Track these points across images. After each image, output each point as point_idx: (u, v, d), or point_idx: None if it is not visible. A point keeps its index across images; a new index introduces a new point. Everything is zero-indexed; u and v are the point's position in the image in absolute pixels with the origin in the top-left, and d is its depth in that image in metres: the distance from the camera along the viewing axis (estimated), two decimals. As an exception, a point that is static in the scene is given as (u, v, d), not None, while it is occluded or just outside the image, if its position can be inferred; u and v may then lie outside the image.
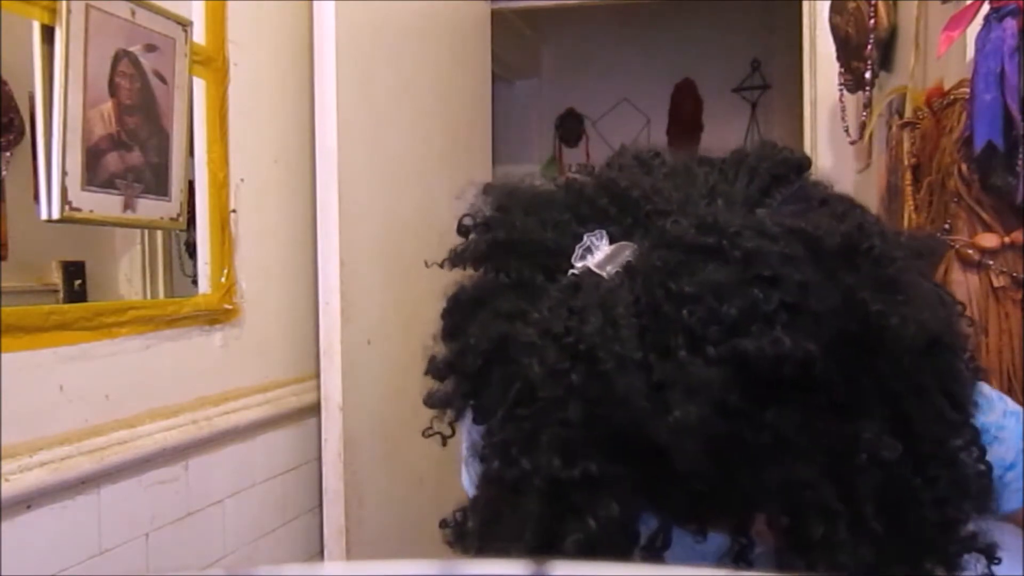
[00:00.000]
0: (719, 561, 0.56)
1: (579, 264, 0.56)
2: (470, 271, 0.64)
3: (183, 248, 2.30)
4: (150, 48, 1.58)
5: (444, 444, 0.70)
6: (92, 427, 1.47)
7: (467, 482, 0.75)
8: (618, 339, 0.51)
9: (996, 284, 1.24)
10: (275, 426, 1.95)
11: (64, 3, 1.38)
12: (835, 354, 0.51)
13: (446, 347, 0.62)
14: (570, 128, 4.94)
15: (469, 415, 0.62)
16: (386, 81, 2.17)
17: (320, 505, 2.05)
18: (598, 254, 0.56)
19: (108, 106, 1.49)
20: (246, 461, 1.86)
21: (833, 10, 2.12)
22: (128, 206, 1.55)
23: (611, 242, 0.57)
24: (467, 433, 0.69)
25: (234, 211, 1.84)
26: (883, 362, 0.53)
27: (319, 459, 2.04)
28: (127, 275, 2.23)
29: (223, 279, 1.81)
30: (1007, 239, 1.24)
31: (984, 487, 0.57)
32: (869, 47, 1.91)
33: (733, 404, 0.50)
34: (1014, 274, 1.23)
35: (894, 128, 1.70)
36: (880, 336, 0.52)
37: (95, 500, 1.47)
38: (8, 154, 2.10)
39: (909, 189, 1.46)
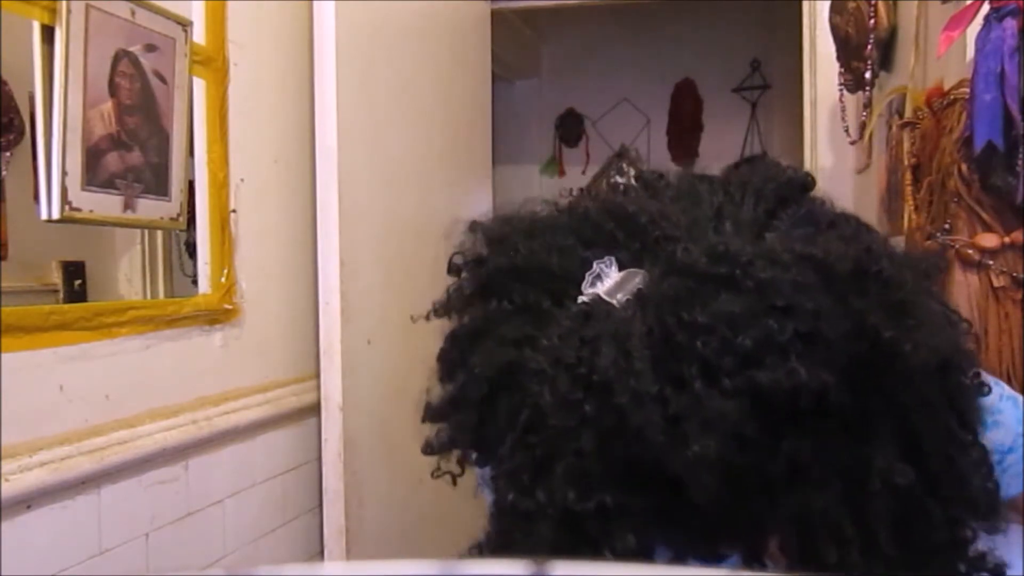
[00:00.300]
0: None
1: (589, 291, 0.55)
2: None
3: (183, 248, 2.30)
4: (150, 48, 1.58)
5: (455, 484, 0.68)
6: (92, 427, 1.47)
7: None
8: (632, 372, 0.50)
9: (996, 284, 1.24)
10: (275, 426, 1.95)
11: (64, 3, 1.38)
12: (847, 379, 0.51)
13: (445, 388, 0.61)
14: (570, 128, 4.94)
15: None
16: (386, 81, 2.17)
17: (320, 505, 2.05)
18: (608, 281, 0.55)
19: (108, 106, 1.48)
20: (246, 461, 1.86)
21: (833, 10, 2.12)
22: (128, 206, 1.55)
23: (620, 268, 0.56)
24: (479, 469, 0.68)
25: (234, 211, 1.84)
26: (894, 384, 0.53)
27: (319, 459, 2.04)
28: (127, 275, 2.23)
29: (223, 279, 1.81)
30: (1007, 239, 1.24)
31: (993, 505, 0.57)
32: (869, 47, 1.90)
33: (749, 435, 0.49)
34: (1014, 274, 1.23)
35: (894, 128, 1.70)
36: (892, 361, 0.52)
37: (95, 500, 1.47)
38: (8, 154, 2.10)
39: (909, 189, 1.46)
